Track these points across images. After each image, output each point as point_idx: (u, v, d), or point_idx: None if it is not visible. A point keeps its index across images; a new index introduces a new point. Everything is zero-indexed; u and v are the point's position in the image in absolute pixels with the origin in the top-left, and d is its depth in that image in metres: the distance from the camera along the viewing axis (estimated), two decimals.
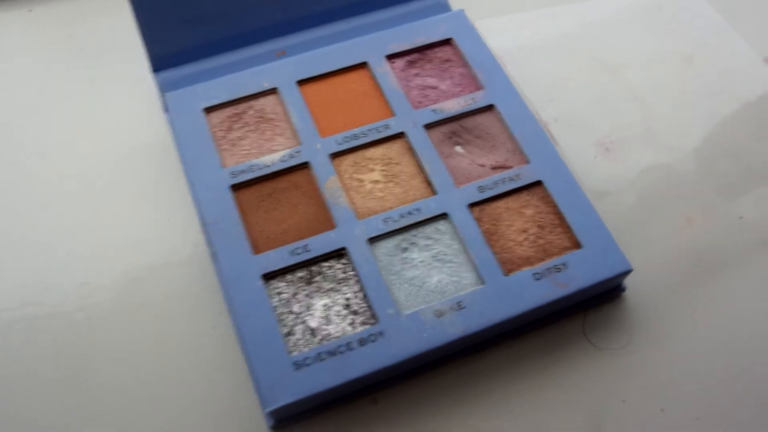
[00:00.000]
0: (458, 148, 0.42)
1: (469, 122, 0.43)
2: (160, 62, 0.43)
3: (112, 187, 0.42)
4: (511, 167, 0.41)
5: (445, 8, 0.47)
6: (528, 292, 0.37)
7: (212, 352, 0.37)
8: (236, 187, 0.40)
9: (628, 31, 0.50)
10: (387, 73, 0.44)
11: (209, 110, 0.42)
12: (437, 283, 0.37)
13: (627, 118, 0.46)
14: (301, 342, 0.35)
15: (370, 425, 0.36)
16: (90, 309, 0.38)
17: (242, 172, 0.40)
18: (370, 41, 0.44)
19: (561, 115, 0.46)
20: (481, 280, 0.37)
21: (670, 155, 0.44)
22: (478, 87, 0.44)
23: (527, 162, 0.41)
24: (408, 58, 0.45)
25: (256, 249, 0.38)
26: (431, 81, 0.44)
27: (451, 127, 0.42)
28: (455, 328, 0.36)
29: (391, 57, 0.44)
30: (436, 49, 0.45)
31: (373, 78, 0.44)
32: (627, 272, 0.38)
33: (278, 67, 0.43)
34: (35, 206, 0.41)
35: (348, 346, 0.35)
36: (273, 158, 0.40)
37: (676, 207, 0.43)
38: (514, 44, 0.49)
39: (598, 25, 0.50)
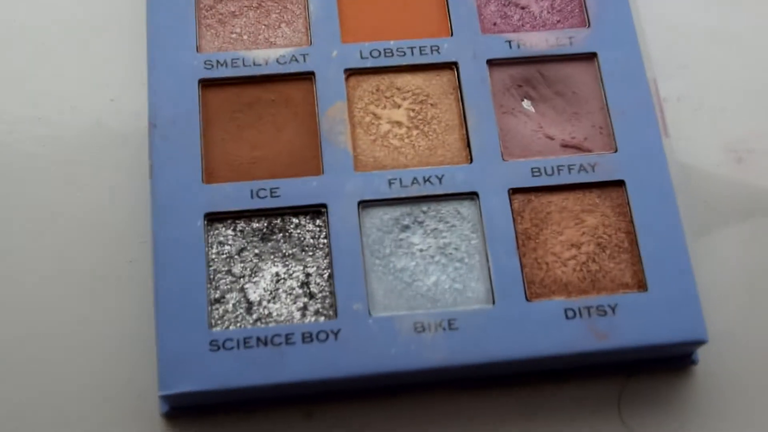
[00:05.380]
0: (526, 104, 0.44)
1: (553, 70, 0.45)
2: None
3: (67, 31, 0.49)
4: (589, 151, 0.43)
5: None
6: (551, 331, 0.40)
7: (121, 293, 0.43)
8: (207, 84, 0.44)
9: None
10: None
11: None
12: (432, 285, 0.41)
13: None
14: (230, 316, 0.40)
15: None
16: None
17: (221, 64, 0.44)
18: None
19: (688, 94, 0.48)
20: (492, 297, 0.41)
21: None
22: (584, 22, 0.46)
23: (614, 149, 0.43)
24: None
25: (209, 176, 0.42)
26: None
27: (526, 71, 0.45)
28: (436, 353, 0.39)
29: None
30: None
31: None
32: (698, 342, 0.40)
33: None
34: None
35: (288, 339, 0.39)
36: (268, 55, 0.44)
37: None
38: None
39: None
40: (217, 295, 0.40)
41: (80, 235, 0.44)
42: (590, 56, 0.45)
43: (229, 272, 0.41)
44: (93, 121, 0.46)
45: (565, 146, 0.44)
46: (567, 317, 0.40)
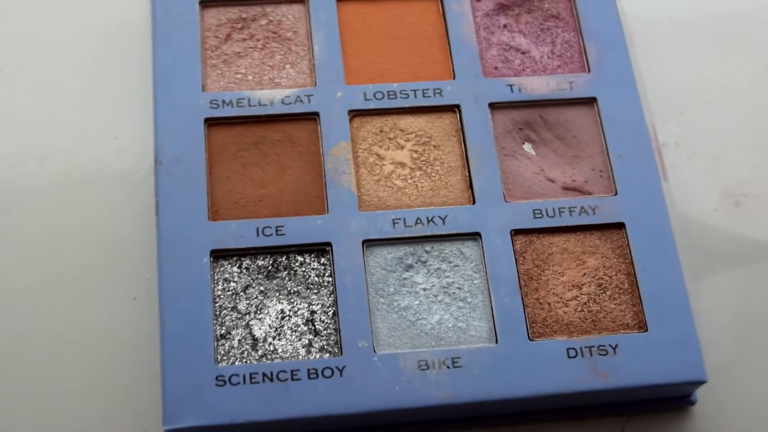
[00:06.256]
0: (527, 147, 0.45)
1: (554, 114, 0.46)
2: None
3: (71, 70, 0.49)
4: (590, 194, 0.44)
5: None
6: (553, 370, 0.41)
7: (127, 329, 0.43)
8: (212, 123, 0.44)
9: None
10: (464, 14, 0.47)
11: (207, 4, 0.47)
12: (436, 323, 0.41)
13: None
14: (235, 351, 0.40)
15: None
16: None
17: (227, 103, 0.45)
18: None
19: (686, 139, 0.49)
20: (495, 336, 0.41)
21: None
22: (584, 68, 0.47)
23: (614, 192, 0.44)
24: None
25: (215, 214, 0.43)
26: (522, 41, 0.47)
27: (527, 114, 0.46)
28: (440, 391, 0.40)
29: None
30: None
31: (443, 15, 0.47)
32: (697, 383, 0.41)
33: None
34: None
35: (293, 375, 0.40)
36: (273, 96, 0.45)
37: None
38: (660, 15, 0.51)
39: None
40: (222, 332, 0.41)
41: (85, 272, 0.45)
42: (590, 101, 0.46)
43: (234, 309, 0.41)
44: (97, 159, 0.47)
45: (566, 189, 0.44)
46: (569, 356, 0.41)
